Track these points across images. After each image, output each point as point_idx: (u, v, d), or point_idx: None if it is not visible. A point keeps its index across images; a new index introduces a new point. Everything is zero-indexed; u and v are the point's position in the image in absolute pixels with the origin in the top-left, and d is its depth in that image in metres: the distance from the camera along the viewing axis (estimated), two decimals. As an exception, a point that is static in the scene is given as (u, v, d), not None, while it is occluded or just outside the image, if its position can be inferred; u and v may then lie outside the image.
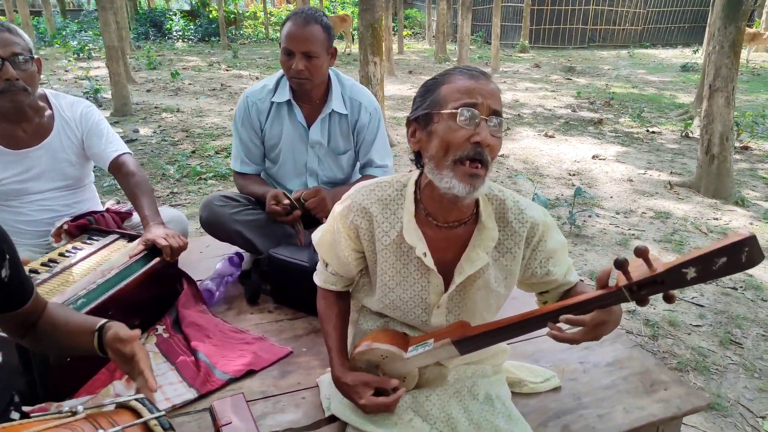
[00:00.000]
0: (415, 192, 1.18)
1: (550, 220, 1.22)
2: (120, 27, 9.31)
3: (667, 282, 0.85)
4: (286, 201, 1.90)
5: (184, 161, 5.23)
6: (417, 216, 1.17)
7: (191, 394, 1.47)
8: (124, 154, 1.89)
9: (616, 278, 0.92)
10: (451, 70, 1.12)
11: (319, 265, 1.36)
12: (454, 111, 1.03)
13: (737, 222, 4.09)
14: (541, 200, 3.81)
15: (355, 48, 13.49)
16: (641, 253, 0.86)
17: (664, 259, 3.32)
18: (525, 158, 5.77)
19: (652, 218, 4.17)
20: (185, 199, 4.31)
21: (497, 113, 1.05)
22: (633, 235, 3.84)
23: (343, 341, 1.31)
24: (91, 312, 1.48)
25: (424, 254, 1.14)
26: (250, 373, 1.57)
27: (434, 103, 1.08)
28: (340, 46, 17.60)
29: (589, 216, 4.08)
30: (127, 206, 2.06)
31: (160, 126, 6.76)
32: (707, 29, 9.12)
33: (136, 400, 0.92)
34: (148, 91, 9.30)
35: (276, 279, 1.88)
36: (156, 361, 1.61)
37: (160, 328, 1.74)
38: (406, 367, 1.21)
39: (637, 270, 0.88)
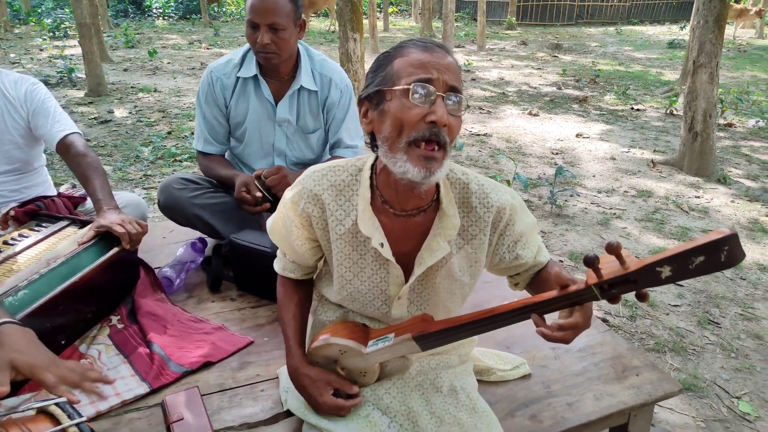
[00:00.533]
0: (371, 177, 1.09)
1: (518, 202, 1.15)
2: (95, 3, 8.99)
3: (640, 281, 0.80)
4: (258, 194, 1.81)
5: (159, 143, 5.09)
6: (373, 203, 1.09)
7: (143, 388, 1.39)
8: (72, 133, 1.78)
9: (586, 274, 0.85)
10: (405, 43, 1.02)
11: (279, 252, 1.29)
12: (406, 87, 0.95)
13: (718, 200, 4.06)
14: (521, 180, 3.74)
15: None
16: (613, 249, 0.80)
17: (644, 237, 3.28)
18: (508, 137, 5.69)
19: (633, 197, 4.13)
20: (158, 182, 4.20)
21: (455, 90, 0.97)
22: (614, 214, 3.80)
23: (302, 331, 1.24)
24: (42, 306, 1.39)
25: (381, 245, 1.07)
26: (207, 364, 1.50)
27: (386, 80, 0.98)
28: (324, 23, 17.30)
29: (571, 195, 4.03)
30: (81, 190, 1.95)
31: (136, 106, 6.58)
32: (695, 5, 9.04)
33: (56, 404, 0.84)
34: (125, 70, 9.06)
35: (238, 265, 1.80)
36: (108, 354, 1.53)
37: (115, 319, 1.65)
38: (366, 362, 1.14)
39: (609, 267, 0.82)
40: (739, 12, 12.80)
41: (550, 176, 4.42)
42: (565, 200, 3.98)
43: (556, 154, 5.17)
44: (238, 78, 1.95)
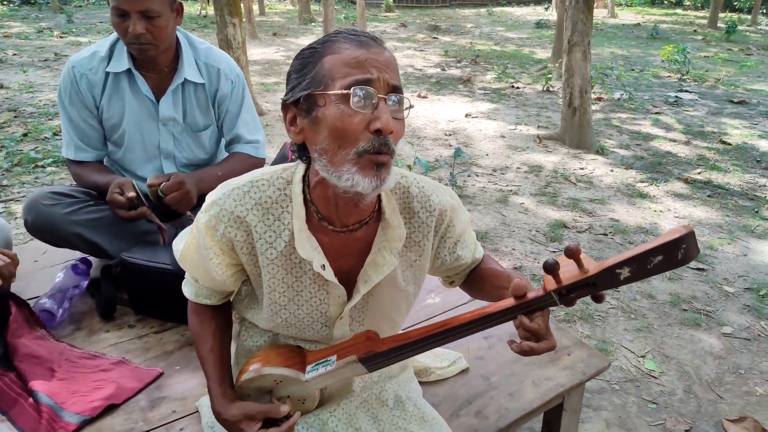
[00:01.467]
0: (304, 191, 0.95)
1: (456, 201, 1.07)
2: None
3: (599, 283, 0.77)
4: (132, 193, 1.57)
5: (13, 147, 4.44)
6: (309, 221, 0.94)
7: (31, 451, 1.16)
8: None
9: (544, 280, 0.80)
10: (333, 36, 0.87)
11: (188, 275, 1.10)
12: (345, 92, 0.80)
13: (600, 170, 4.37)
14: (422, 164, 3.75)
15: (211, 9, 12.50)
16: (573, 253, 0.76)
17: (540, 211, 3.42)
18: (401, 120, 5.70)
19: (526, 173, 4.31)
20: (18, 193, 3.66)
21: (397, 89, 0.84)
22: (511, 191, 3.94)
23: (223, 365, 1.07)
24: None
25: (323, 267, 0.94)
26: (110, 408, 1.29)
27: (316, 81, 0.84)
28: (194, 7, 16.29)
29: (468, 176, 4.11)
30: None
31: (-21, 106, 5.72)
32: (557, -13, 9.66)
33: None
34: (-40, 64, 7.85)
35: (133, 287, 1.57)
36: (-21, 414, 1.26)
37: (-17, 369, 1.37)
38: (306, 390, 1.02)
39: (567, 271, 0.79)
40: (594, -7, 13.94)
41: (447, 158, 4.49)
42: (464, 181, 4.06)
43: (449, 135, 5.27)
44: (107, 73, 1.69)
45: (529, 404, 1.33)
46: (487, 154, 4.72)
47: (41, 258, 1.88)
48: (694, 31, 13.80)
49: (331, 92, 0.82)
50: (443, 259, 1.08)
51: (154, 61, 1.68)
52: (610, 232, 3.32)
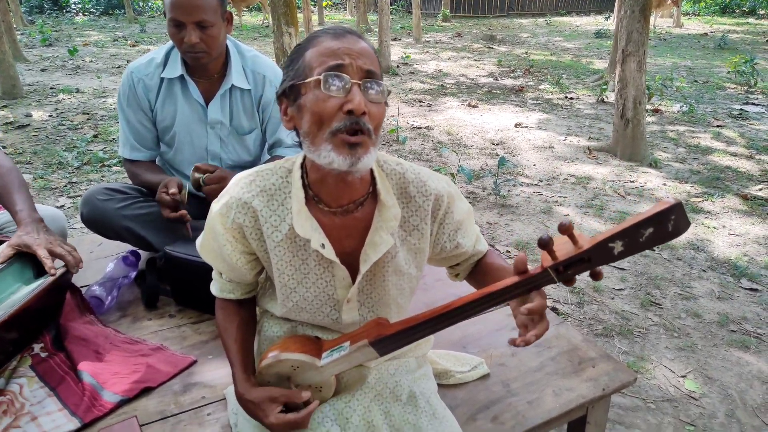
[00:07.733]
0: (302, 177, 1.03)
1: (454, 190, 1.13)
2: (4, -1, 8.31)
3: (594, 259, 0.78)
4: (173, 189, 1.67)
5: (84, 147, 4.77)
6: (308, 203, 1.02)
7: (73, 424, 1.26)
8: None
9: (540, 258, 0.83)
10: (316, 32, 0.97)
11: (214, 273, 1.20)
12: (318, 78, 0.90)
13: (652, 183, 4.23)
14: (465, 172, 3.75)
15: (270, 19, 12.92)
16: (565, 229, 0.78)
17: (585, 223, 3.35)
18: (449, 129, 5.71)
19: (573, 184, 4.23)
20: (85, 189, 3.92)
21: (372, 75, 0.92)
22: (556, 201, 3.87)
23: (246, 353, 1.15)
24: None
25: (322, 246, 1.00)
26: (146, 390, 1.38)
27: (299, 73, 0.94)
28: (257, 17, 16.89)
29: (513, 185, 4.08)
30: (-9, 206, 1.75)
31: (56, 109, 6.15)
32: (617, -4, 9.41)
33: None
34: (42, 70, 8.46)
35: (175, 279, 1.67)
36: (31, 388, 1.38)
37: (37, 347, 1.49)
38: (322, 376, 1.07)
39: (562, 248, 0.81)
40: (658, 2, 13.43)
41: (493, 167, 4.46)
42: (509, 190, 4.03)
43: (497, 144, 5.23)
44: (162, 79, 1.82)
45: (548, 413, 1.32)
46: (534, 165, 4.66)
47: (96, 249, 2.03)
48: (767, 41, 13.07)
49: (309, 80, 0.91)
50: (443, 246, 1.13)
51: (206, 68, 1.79)
52: (658, 248, 3.21)
